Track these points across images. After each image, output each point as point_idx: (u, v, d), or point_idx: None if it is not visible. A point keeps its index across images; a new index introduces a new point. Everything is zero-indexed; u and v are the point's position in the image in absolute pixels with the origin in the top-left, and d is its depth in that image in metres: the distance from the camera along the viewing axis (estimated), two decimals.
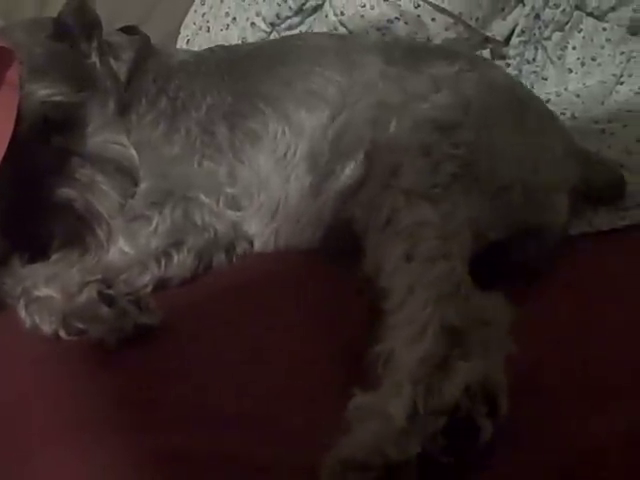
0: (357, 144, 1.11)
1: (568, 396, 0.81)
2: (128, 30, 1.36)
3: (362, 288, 0.92)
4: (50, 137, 1.12)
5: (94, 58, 1.22)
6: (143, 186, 1.18)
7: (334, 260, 1.06)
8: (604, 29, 1.58)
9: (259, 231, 1.21)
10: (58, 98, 1.12)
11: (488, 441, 0.72)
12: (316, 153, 1.18)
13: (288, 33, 1.57)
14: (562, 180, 1.07)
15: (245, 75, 1.26)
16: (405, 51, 1.25)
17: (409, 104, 1.07)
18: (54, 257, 1.08)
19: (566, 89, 1.54)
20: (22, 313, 1.02)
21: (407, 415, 0.73)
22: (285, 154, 1.20)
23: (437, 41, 1.50)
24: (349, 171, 1.11)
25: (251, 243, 1.21)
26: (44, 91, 1.11)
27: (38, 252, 1.08)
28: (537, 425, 0.77)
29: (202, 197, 1.17)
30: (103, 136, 1.17)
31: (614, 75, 1.53)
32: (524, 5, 1.53)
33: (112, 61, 1.25)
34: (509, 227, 1.00)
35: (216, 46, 1.43)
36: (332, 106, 1.20)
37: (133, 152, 1.19)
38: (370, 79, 1.19)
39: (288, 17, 1.56)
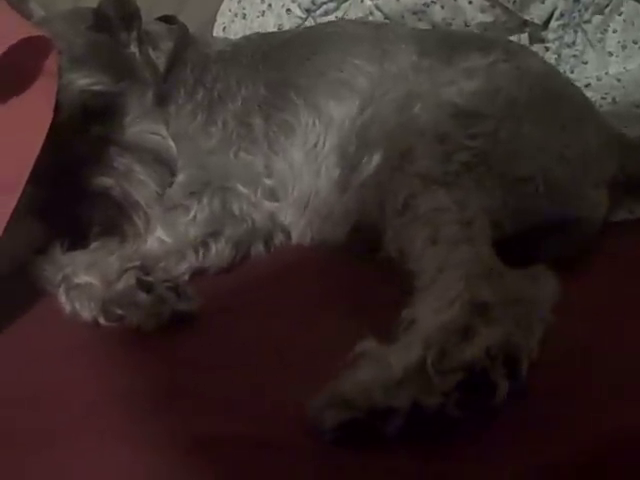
0: (383, 135, 1.10)
1: (599, 383, 0.80)
2: (167, 19, 1.37)
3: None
4: (89, 126, 1.14)
5: (133, 48, 1.23)
6: (181, 176, 1.19)
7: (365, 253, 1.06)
8: None
9: (294, 222, 1.21)
10: (97, 87, 1.13)
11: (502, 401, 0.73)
12: (344, 145, 1.18)
13: (324, 19, 1.56)
14: (597, 173, 1.05)
15: (279, 65, 1.26)
16: (439, 41, 1.24)
17: (436, 90, 1.07)
18: (94, 245, 1.10)
19: (607, 73, 1.51)
20: (62, 299, 1.04)
21: (407, 368, 0.74)
22: (315, 146, 1.20)
23: (473, 25, 1.48)
24: (373, 164, 1.10)
25: (288, 234, 1.22)
26: (83, 80, 1.12)
27: (78, 239, 1.09)
28: (564, 411, 0.77)
29: (240, 187, 1.18)
30: (141, 126, 1.19)
31: None
32: None
33: (151, 51, 1.27)
34: (528, 219, 0.99)
35: (253, 34, 1.44)
36: (361, 97, 1.19)
37: (171, 143, 1.21)
38: (401, 70, 1.19)
39: (324, 3, 1.56)
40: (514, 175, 0.98)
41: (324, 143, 1.20)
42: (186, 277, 1.11)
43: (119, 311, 0.99)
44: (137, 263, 1.05)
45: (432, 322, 0.79)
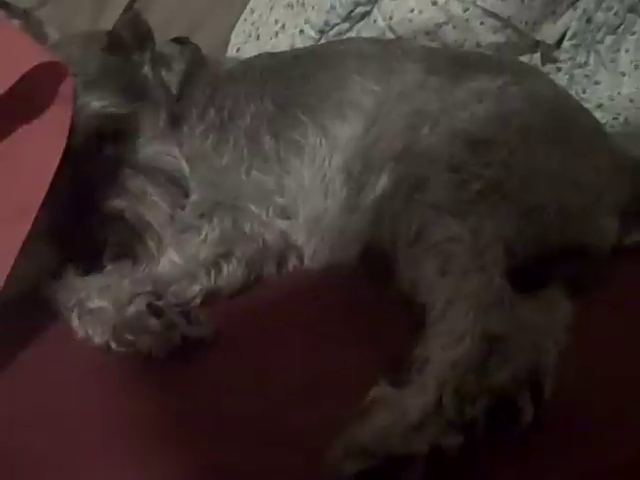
0: (389, 155, 1.10)
1: (595, 413, 0.80)
2: (180, 41, 1.38)
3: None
4: (103, 148, 1.15)
5: (146, 70, 1.24)
6: (193, 197, 1.19)
7: (378, 275, 1.05)
8: None
9: (306, 242, 1.21)
10: (111, 109, 1.14)
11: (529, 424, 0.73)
12: (350, 165, 1.17)
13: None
14: (609, 199, 1.05)
15: (286, 82, 1.26)
16: (449, 61, 1.23)
17: (446, 112, 1.06)
18: (107, 268, 1.10)
19: (619, 93, 1.51)
20: (75, 324, 1.04)
21: (423, 412, 0.74)
22: (322, 166, 1.20)
23: (485, 45, 1.48)
24: (381, 185, 1.09)
25: (300, 255, 1.22)
26: (97, 102, 1.13)
27: (92, 262, 1.10)
28: (572, 433, 0.77)
29: (251, 207, 1.18)
30: (155, 147, 1.19)
31: None
32: (575, 8, 1.51)
33: (164, 72, 1.27)
34: (541, 247, 0.99)
35: (263, 53, 1.45)
36: (367, 116, 1.19)
37: (184, 164, 1.21)
38: (407, 87, 1.18)
39: (337, 24, 1.56)
40: (527, 203, 0.98)
41: (330, 163, 1.20)
42: (198, 300, 1.11)
43: (130, 336, 0.98)
44: (149, 287, 1.05)
45: (444, 360, 0.79)
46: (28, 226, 0.99)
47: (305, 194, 1.21)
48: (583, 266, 1.02)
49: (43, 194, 1.00)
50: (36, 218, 1.00)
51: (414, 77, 1.20)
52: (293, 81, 1.27)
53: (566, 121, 1.09)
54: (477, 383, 0.75)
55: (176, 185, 1.19)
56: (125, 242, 1.12)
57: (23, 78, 0.99)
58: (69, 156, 1.04)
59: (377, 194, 1.10)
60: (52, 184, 1.01)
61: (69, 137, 1.04)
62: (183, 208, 1.18)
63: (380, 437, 0.72)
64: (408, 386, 0.79)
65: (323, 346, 0.98)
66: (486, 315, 0.81)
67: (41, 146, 1.02)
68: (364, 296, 1.08)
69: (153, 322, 0.99)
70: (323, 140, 1.21)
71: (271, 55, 1.39)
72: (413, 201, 0.97)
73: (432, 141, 1.03)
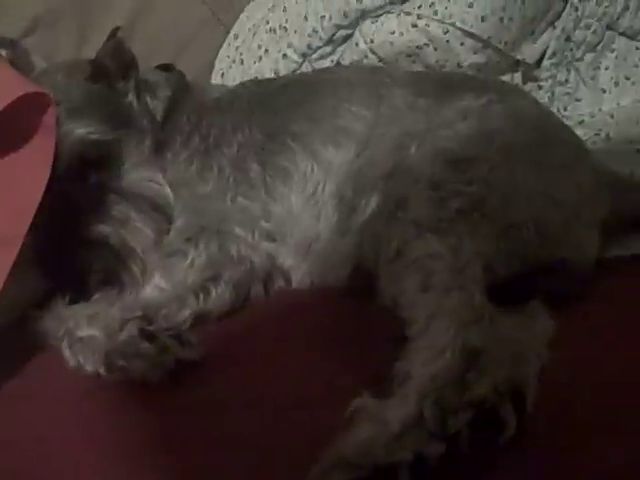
0: (380, 177, 1.11)
1: (586, 423, 0.81)
2: (164, 67, 1.39)
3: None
4: (87, 175, 1.16)
5: (131, 97, 1.25)
6: (178, 223, 1.20)
7: (365, 295, 1.06)
8: (637, 48, 1.56)
9: (294, 266, 1.22)
10: (94, 136, 1.15)
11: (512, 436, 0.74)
12: (342, 189, 1.19)
13: (320, 63, 1.58)
14: (589, 215, 1.06)
15: (275, 111, 1.28)
16: (435, 83, 1.26)
17: (431, 131, 1.08)
18: (95, 297, 1.10)
19: (600, 109, 1.52)
20: (66, 353, 1.04)
21: (403, 422, 0.75)
22: (314, 192, 1.21)
23: (466, 66, 1.50)
24: (372, 205, 1.11)
25: (288, 278, 1.22)
26: (81, 130, 1.14)
27: (78, 289, 1.10)
28: (552, 447, 0.77)
29: (237, 230, 1.19)
30: (139, 174, 1.20)
31: None
32: (554, 27, 1.52)
33: (149, 100, 1.29)
34: (520, 263, 1.00)
35: (249, 81, 1.46)
36: (358, 142, 1.20)
37: (168, 190, 1.22)
38: (397, 111, 1.20)
39: (319, 47, 1.57)
40: (507, 221, 0.99)
41: (323, 188, 1.21)
42: (188, 323, 1.11)
43: (122, 362, 0.99)
44: (139, 313, 1.05)
45: (425, 373, 0.80)
46: (14, 256, 0.99)
47: (294, 220, 1.22)
48: (564, 280, 1.02)
49: (28, 223, 1.00)
50: (22, 245, 1.00)
51: (403, 100, 1.22)
52: (281, 110, 1.28)
53: (548, 138, 1.10)
54: (458, 395, 0.76)
55: (160, 211, 1.20)
56: (110, 268, 1.13)
57: (6, 109, 0.99)
58: (54, 182, 1.05)
59: (367, 216, 1.12)
60: (37, 210, 1.02)
61: (54, 164, 1.05)
62: (167, 233, 1.19)
63: (364, 448, 0.73)
64: (390, 398, 0.79)
65: (311, 363, 0.99)
66: (466, 330, 0.82)
67: (26, 175, 1.03)
68: (350, 312, 1.09)
69: (146, 347, 0.99)
70: (315, 166, 1.22)
71: (258, 83, 1.41)
72: (395, 219, 0.98)
73: (416, 160, 1.05)
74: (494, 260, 0.96)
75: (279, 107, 1.28)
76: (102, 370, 1.00)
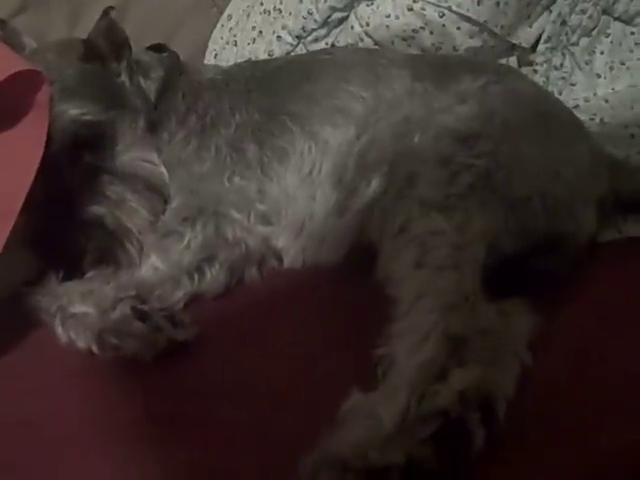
0: (381, 161, 1.11)
1: (578, 410, 0.80)
2: (157, 48, 1.38)
3: None
4: (81, 155, 1.15)
5: (124, 77, 1.24)
6: (174, 203, 1.20)
7: (360, 275, 1.05)
8: (632, 33, 1.56)
9: (287, 246, 1.22)
10: (88, 117, 1.14)
11: (481, 449, 0.72)
12: (341, 171, 1.18)
13: (314, 45, 1.57)
14: (588, 192, 1.06)
15: (272, 92, 1.27)
16: (432, 66, 1.25)
17: (433, 117, 1.07)
18: (89, 274, 1.10)
19: (595, 94, 1.52)
20: (58, 330, 1.04)
21: (397, 420, 0.73)
22: (311, 172, 1.21)
23: (463, 50, 1.49)
24: (372, 188, 1.11)
25: (281, 258, 1.22)
26: (74, 110, 1.13)
27: (72, 269, 1.09)
28: (542, 439, 0.77)
29: (233, 213, 1.18)
30: (133, 154, 1.19)
31: None
32: (550, 12, 1.51)
33: (141, 80, 1.28)
34: (527, 239, 1.00)
35: (244, 62, 1.45)
36: (357, 123, 1.20)
37: (163, 170, 1.21)
38: (395, 95, 1.20)
39: (314, 30, 1.56)
40: (514, 196, 0.99)
41: (320, 169, 1.21)
42: (182, 304, 1.11)
43: (114, 340, 0.99)
44: (132, 292, 1.05)
45: (410, 362, 0.79)
46: (6, 233, 0.98)
47: (289, 200, 1.22)
48: (560, 260, 1.02)
49: (21, 201, 1.00)
50: (15, 225, 0.99)
51: (401, 84, 1.22)
52: (279, 90, 1.28)
53: (546, 116, 1.10)
54: (423, 406, 0.74)
55: (155, 191, 1.20)
56: (105, 248, 1.12)
57: (0, 86, 0.98)
58: (47, 163, 1.04)
59: (369, 197, 1.11)
60: (31, 191, 1.01)
61: (47, 144, 1.04)
62: (163, 214, 1.19)
63: (357, 449, 0.72)
64: (379, 391, 0.78)
65: (304, 348, 0.99)
66: (449, 315, 0.82)
67: (19, 153, 1.02)
68: (344, 295, 1.09)
69: (138, 325, 0.99)
70: (312, 146, 1.22)
71: (254, 64, 1.40)
72: (402, 197, 0.98)
73: (422, 145, 1.05)
74: (501, 237, 0.96)
75: (277, 88, 1.28)
76: (94, 347, 1.00)
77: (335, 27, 1.58)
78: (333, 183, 1.19)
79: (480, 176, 0.97)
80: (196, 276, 1.13)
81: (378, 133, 1.16)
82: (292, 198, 1.21)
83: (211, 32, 1.73)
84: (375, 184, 1.11)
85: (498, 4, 1.45)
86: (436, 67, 1.24)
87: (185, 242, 1.14)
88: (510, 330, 0.85)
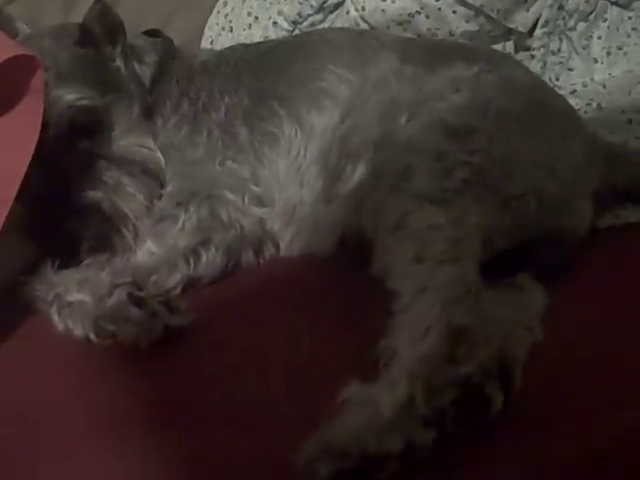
0: (366, 144, 1.09)
1: (576, 396, 0.81)
2: (152, 33, 1.37)
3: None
4: (76, 141, 1.14)
5: (119, 62, 1.23)
6: (169, 188, 1.19)
7: (355, 264, 1.05)
8: (629, 18, 1.55)
9: (282, 231, 1.21)
10: (84, 102, 1.14)
11: (499, 413, 0.73)
12: (326, 155, 1.17)
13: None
14: (583, 185, 1.05)
15: (261, 74, 1.26)
16: (424, 50, 1.24)
17: (423, 102, 1.06)
18: (85, 262, 1.09)
19: (592, 79, 1.51)
20: (55, 318, 1.03)
21: (396, 408, 0.73)
22: (297, 157, 1.20)
23: (458, 34, 1.48)
24: (358, 173, 1.09)
25: (277, 243, 1.21)
26: (70, 95, 1.13)
27: (69, 256, 1.09)
28: (541, 424, 0.77)
29: (227, 194, 1.18)
30: (129, 139, 1.19)
31: None
32: None
33: (136, 65, 1.27)
34: (521, 234, 0.99)
35: (237, 44, 1.44)
36: (342, 106, 1.18)
37: (159, 155, 1.21)
38: (382, 77, 1.17)
39: (310, 15, 1.56)
40: (508, 193, 0.98)
41: (305, 154, 1.20)
42: (178, 289, 1.11)
43: (111, 327, 0.98)
44: (128, 278, 1.05)
45: (412, 354, 0.79)
46: (2, 220, 0.98)
47: (280, 184, 1.21)
48: (556, 250, 1.02)
49: (17, 187, 0.99)
50: (11, 212, 0.99)
51: (389, 66, 1.19)
52: (268, 73, 1.27)
53: (541, 107, 1.09)
54: (444, 375, 0.75)
55: (151, 176, 1.19)
56: (102, 234, 1.12)
57: None
58: (43, 149, 1.03)
59: (354, 184, 1.09)
60: (26, 177, 1.00)
61: (42, 130, 1.03)
62: (159, 199, 1.19)
63: (354, 437, 0.71)
64: (379, 382, 0.78)
65: (301, 334, 0.99)
66: (452, 308, 0.81)
67: (14, 139, 1.01)
68: (341, 283, 1.08)
69: (135, 312, 0.99)
70: (298, 130, 1.20)
71: (245, 47, 1.39)
72: (397, 191, 0.96)
73: (412, 131, 1.03)
74: (496, 232, 0.95)
75: (266, 70, 1.27)
76: (91, 335, 0.99)
77: (331, 12, 1.57)
78: (319, 169, 1.18)
79: (474, 173, 0.96)
80: (192, 259, 1.12)
81: (363, 116, 1.13)
82: (283, 183, 1.21)
83: (207, 18, 1.72)
84: (360, 170, 1.08)
85: None
86: (428, 51, 1.23)
87: (179, 225, 1.14)
88: (519, 309, 0.85)
